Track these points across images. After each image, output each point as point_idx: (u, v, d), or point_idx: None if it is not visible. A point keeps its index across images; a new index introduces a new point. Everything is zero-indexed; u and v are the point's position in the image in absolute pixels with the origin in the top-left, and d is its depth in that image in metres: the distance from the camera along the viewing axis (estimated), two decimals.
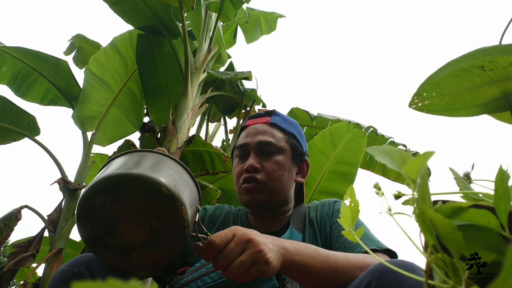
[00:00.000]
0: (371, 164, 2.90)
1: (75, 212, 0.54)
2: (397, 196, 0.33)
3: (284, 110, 3.36)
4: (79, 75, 3.77)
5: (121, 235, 0.54)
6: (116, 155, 0.59)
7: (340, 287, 0.63)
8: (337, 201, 0.98)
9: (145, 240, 0.54)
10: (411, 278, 0.47)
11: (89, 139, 2.49)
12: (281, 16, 3.50)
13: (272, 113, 1.02)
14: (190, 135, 2.27)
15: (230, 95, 3.19)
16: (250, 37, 3.54)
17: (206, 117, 3.39)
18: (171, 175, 0.55)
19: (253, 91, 3.27)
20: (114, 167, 0.55)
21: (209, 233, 0.60)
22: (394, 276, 0.55)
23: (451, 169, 0.42)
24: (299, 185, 1.05)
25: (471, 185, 0.40)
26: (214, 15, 2.89)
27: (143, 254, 0.54)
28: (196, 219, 0.58)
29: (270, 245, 0.60)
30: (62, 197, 2.25)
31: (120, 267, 0.57)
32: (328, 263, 0.64)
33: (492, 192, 0.28)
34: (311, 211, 0.97)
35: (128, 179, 0.51)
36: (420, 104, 0.39)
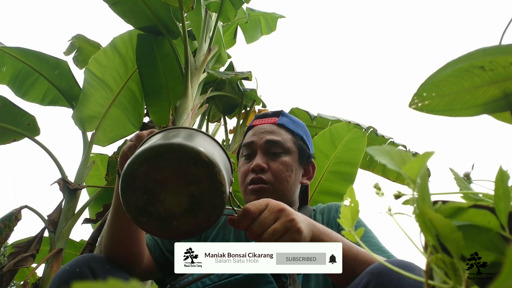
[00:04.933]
0: (371, 164, 2.90)
1: (119, 183, 0.57)
2: (397, 196, 0.33)
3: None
4: (79, 75, 3.76)
5: (163, 204, 0.56)
6: (154, 133, 0.65)
7: (351, 280, 0.63)
8: None
9: (186, 207, 0.56)
10: (410, 278, 0.47)
11: (89, 139, 2.49)
12: (281, 16, 3.50)
13: (280, 113, 1.01)
14: None
15: (230, 95, 3.18)
16: (250, 37, 3.54)
17: (206, 117, 3.39)
18: (208, 146, 0.59)
19: (253, 91, 3.27)
20: (153, 140, 0.59)
21: (240, 205, 0.63)
22: (392, 276, 0.55)
23: (451, 169, 0.42)
24: (304, 187, 1.05)
25: (471, 185, 0.40)
26: (214, 15, 2.89)
27: (183, 221, 0.57)
28: (230, 191, 0.60)
29: (301, 217, 0.62)
30: (62, 197, 2.25)
31: (162, 236, 0.60)
32: (351, 251, 0.65)
33: (492, 192, 0.28)
34: (317, 214, 0.96)
35: (170, 147, 0.55)
36: (420, 104, 0.39)
